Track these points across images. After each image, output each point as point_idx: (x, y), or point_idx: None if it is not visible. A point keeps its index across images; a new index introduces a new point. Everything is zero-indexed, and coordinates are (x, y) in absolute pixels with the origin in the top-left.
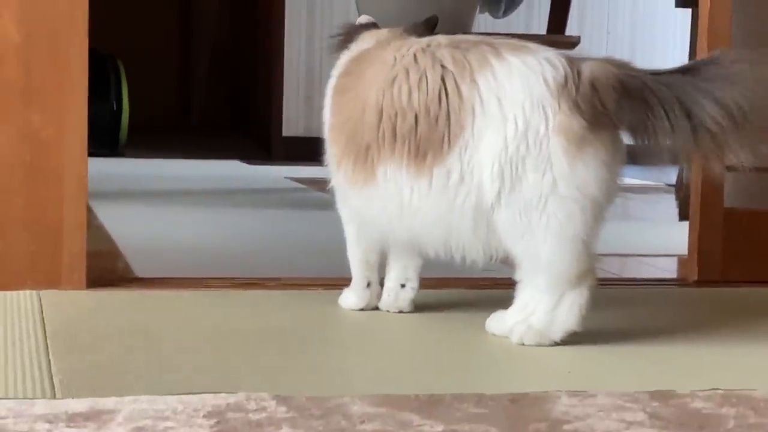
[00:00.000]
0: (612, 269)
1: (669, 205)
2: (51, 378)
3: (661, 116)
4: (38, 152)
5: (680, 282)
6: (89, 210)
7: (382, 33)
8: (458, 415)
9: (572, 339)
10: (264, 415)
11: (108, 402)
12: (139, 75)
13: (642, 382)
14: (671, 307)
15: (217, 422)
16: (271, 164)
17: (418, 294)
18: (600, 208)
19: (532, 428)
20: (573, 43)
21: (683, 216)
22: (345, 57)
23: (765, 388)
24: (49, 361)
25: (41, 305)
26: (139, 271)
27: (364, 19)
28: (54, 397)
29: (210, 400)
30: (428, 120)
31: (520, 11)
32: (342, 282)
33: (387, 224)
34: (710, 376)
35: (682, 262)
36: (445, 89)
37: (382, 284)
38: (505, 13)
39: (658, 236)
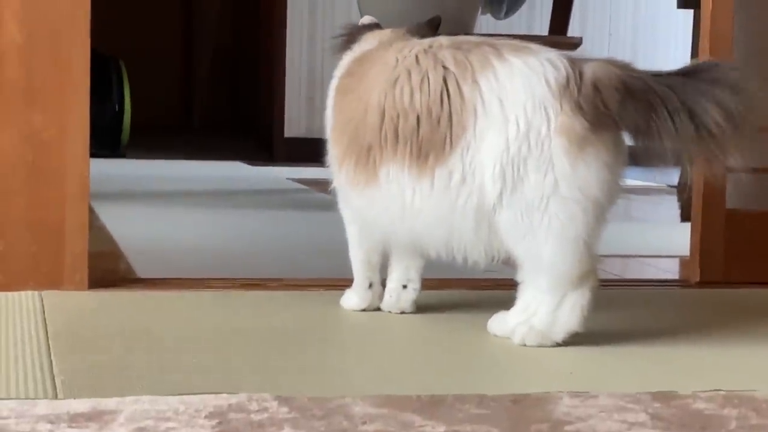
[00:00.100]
0: (614, 270)
1: (671, 206)
2: (53, 378)
3: (664, 117)
4: (40, 153)
5: (682, 283)
6: (91, 211)
7: (385, 34)
8: (460, 416)
9: (574, 340)
10: (266, 415)
11: (110, 402)
12: (140, 76)
13: (644, 383)
14: (673, 308)
15: (219, 423)
16: (273, 165)
17: (420, 295)
18: (602, 209)
19: (533, 429)
20: (575, 44)
21: (685, 217)
22: (347, 58)
23: (767, 389)
24: (51, 361)
25: (43, 306)
26: (141, 271)
27: (366, 19)
28: (56, 397)
29: (212, 401)
30: (430, 121)
31: (521, 12)
32: (344, 283)
33: (389, 225)
34: (712, 377)
35: (683, 263)
36: (447, 90)
37: (384, 285)
38: (507, 14)
39: (660, 237)
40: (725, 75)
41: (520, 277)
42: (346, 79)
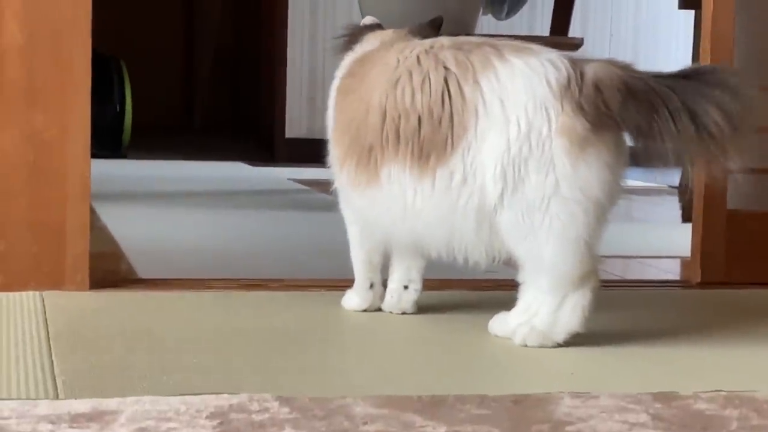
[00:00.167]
0: (615, 271)
1: (672, 206)
2: (54, 379)
3: (666, 117)
4: (41, 153)
5: (683, 284)
6: (92, 211)
7: (387, 34)
8: (461, 416)
9: (575, 340)
10: (267, 416)
11: (111, 403)
12: (142, 76)
13: (645, 384)
14: (674, 309)
15: (220, 423)
16: (274, 166)
17: (421, 295)
18: (603, 210)
19: (534, 429)
20: (576, 44)
21: (686, 218)
22: (349, 58)
23: None
24: (52, 361)
25: (44, 306)
26: (142, 272)
27: (368, 20)
28: (57, 397)
29: (213, 401)
30: (431, 121)
31: (523, 13)
32: (345, 283)
33: (390, 225)
34: (713, 378)
35: (685, 263)
36: (448, 91)
37: (385, 286)
38: (508, 14)
39: (661, 238)
40: (725, 79)
41: (521, 277)
42: (347, 80)
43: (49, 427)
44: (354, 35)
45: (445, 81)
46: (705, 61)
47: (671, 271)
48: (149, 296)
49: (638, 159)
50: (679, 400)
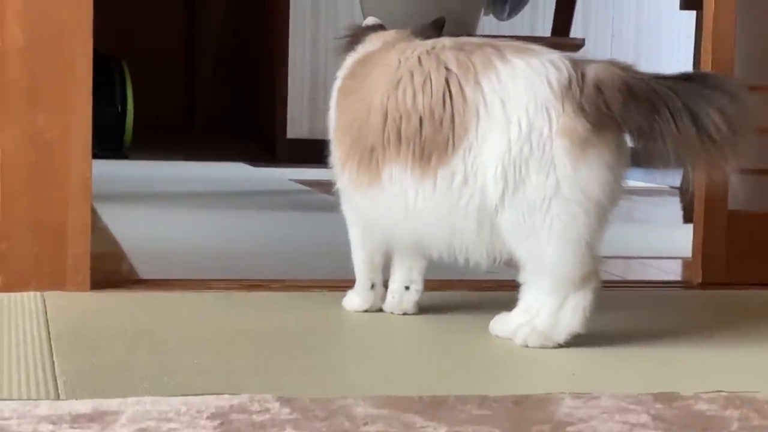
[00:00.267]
0: (616, 271)
1: (673, 207)
2: (55, 379)
3: (667, 119)
4: (43, 153)
5: (684, 284)
6: (94, 212)
7: (389, 35)
8: (462, 417)
9: (576, 341)
10: (267, 416)
11: (112, 403)
12: (143, 76)
13: (645, 384)
14: (675, 310)
15: (221, 423)
16: (276, 166)
17: (422, 296)
18: (604, 211)
19: (535, 430)
20: (577, 45)
21: (688, 218)
22: (351, 59)
23: None
24: (53, 362)
25: (45, 306)
26: (144, 272)
27: (370, 20)
28: (58, 398)
29: (213, 402)
30: (433, 122)
31: (524, 13)
32: (346, 284)
33: (391, 226)
34: (714, 378)
35: (686, 264)
36: (450, 91)
37: (386, 286)
38: (510, 15)
39: (663, 239)
40: (724, 83)
41: (522, 278)
42: (349, 80)
43: (50, 427)
44: (356, 36)
45: (447, 82)
46: (706, 61)
47: (672, 271)
48: (150, 297)
49: (639, 160)
50: (680, 401)
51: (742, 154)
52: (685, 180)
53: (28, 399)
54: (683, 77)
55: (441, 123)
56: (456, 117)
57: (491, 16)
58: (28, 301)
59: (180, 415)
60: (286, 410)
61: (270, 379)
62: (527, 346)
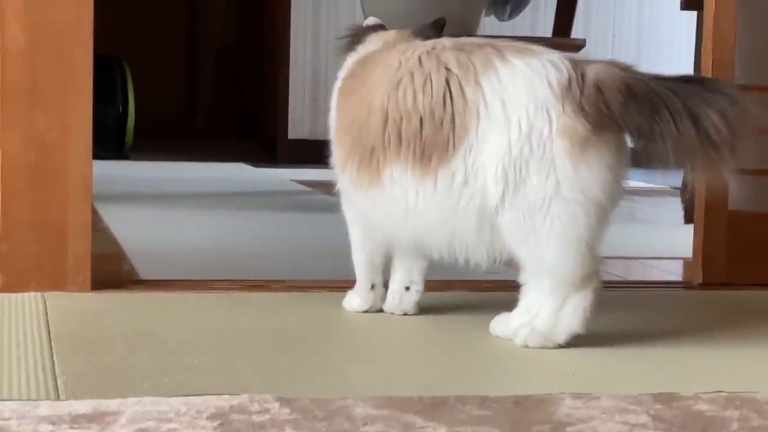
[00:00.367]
0: (617, 272)
1: (674, 207)
2: (55, 379)
3: (667, 119)
4: (43, 154)
5: (685, 285)
6: (95, 212)
7: (390, 35)
8: (462, 417)
9: (576, 341)
10: (267, 416)
11: (112, 403)
12: (144, 77)
13: (645, 385)
14: (675, 310)
15: (221, 424)
16: (277, 167)
17: (423, 296)
18: (604, 211)
19: (535, 430)
20: (578, 46)
21: (689, 219)
22: (351, 59)
23: None
24: (54, 362)
25: (46, 307)
26: (144, 273)
27: (371, 20)
28: (58, 398)
29: (213, 402)
30: (433, 123)
31: (525, 14)
32: (346, 284)
33: (392, 227)
34: (714, 379)
35: (686, 264)
36: (450, 92)
37: (386, 287)
38: (511, 15)
39: (663, 239)
40: (724, 87)
41: (523, 278)
42: (349, 81)
43: (50, 427)
44: (357, 36)
45: (447, 82)
46: (707, 61)
47: (673, 272)
48: (151, 297)
49: (639, 160)
50: (680, 401)
51: (741, 156)
52: (686, 180)
53: (28, 399)
54: (683, 79)
55: (441, 123)
56: (456, 117)
57: (492, 17)
58: (28, 301)
59: (180, 416)
60: (286, 410)
61: (270, 380)
62: (527, 347)
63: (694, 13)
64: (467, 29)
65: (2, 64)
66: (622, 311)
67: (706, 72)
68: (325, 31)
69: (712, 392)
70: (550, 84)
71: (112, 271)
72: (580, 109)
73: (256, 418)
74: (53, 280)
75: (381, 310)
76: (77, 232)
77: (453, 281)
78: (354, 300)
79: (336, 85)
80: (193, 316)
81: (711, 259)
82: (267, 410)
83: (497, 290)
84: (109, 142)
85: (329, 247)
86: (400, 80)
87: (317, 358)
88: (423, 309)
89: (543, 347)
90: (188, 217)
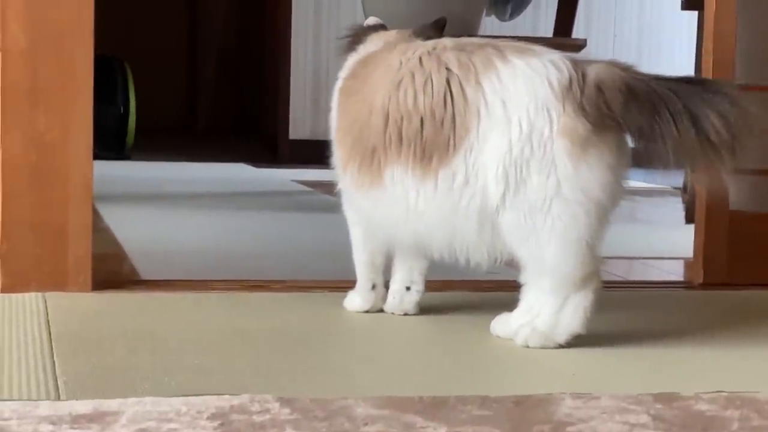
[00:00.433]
0: (618, 272)
1: (675, 207)
2: (55, 379)
3: (667, 119)
4: (43, 154)
5: (685, 285)
6: (95, 213)
7: (391, 35)
8: (462, 417)
9: (576, 341)
10: (268, 416)
11: (112, 404)
12: (145, 77)
13: (646, 385)
14: (676, 310)
15: (221, 424)
16: (278, 167)
17: (423, 296)
18: (604, 211)
19: (535, 430)
20: (579, 45)
21: (690, 219)
22: (352, 59)
23: None
24: (54, 362)
25: (46, 307)
26: (145, 273)
27: (372, 20)
28: (58, 398)
29: (214, 402)
30: (434, 123)
31: (526, 14)
32: (347, 284)
33: (393, 227)
34: (714, 379)
35: (687, 264)
36: (451, 92)
37: (387, 287)
38: (512, 15)
39: (664, 239)
40: (725, 89)
41: (523, 278)
42: (350, 81)
43: (50, 428)
44: (357, 36)
45: (448, 82)
46: (707, 61)
47: (674, 272)
48: (151, 297)
49: (639, 160)
50: (680, 401)
51: (740, 159)
52: (687, 180)
53: (29, 399)
54: (684, 80)
55: (442, 123)
56: (457, 117)
57: (493, 17)
58: (29, 301)
59: (180, 416)
60: (287, 411)
61: (270, 380)
62: (528, 347)
63: (695, 13)
64: (468, 29)
65: (3, 65)
66: (622, 311)
67: (707, 72)
68: (326, 31)
69: (713, 392)
70: (550, 84)
71: (112, 272)
72: (581, 109)
73: (257, 419)
74: (54, 281)
75: (382, 310)
76: (78, 232)
77: (454, 281)
78: (355, 300)
79: (337, 85)
80: (194, 316)
81: (712, 259)
82: (267, 410)
83: (498, 290)
84: (110, 143)
85: (330, 248)
86: (401, 80)
87: (318, 358)
88: (424, 309)
89: (544, 347)
90: (189, 218)
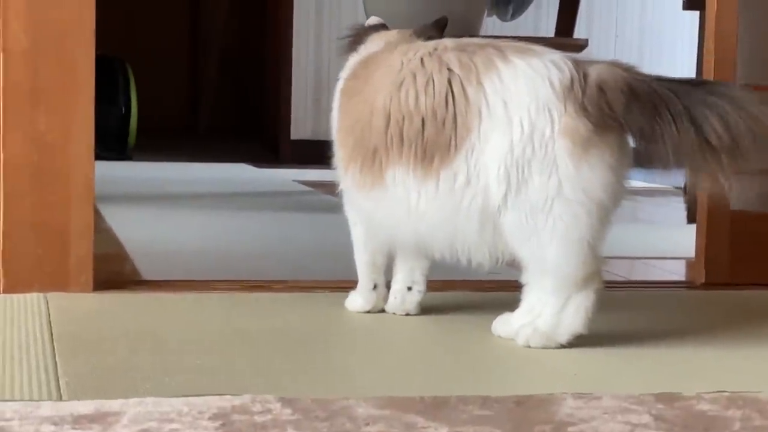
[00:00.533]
0: (620, 272)
1: (677, 207)
2: (57, 380)
3: (668, 120)
4: (45, 155)
5: (687, 285)
6: (97, 213)
7: (392, 35)
8: (463, 417)
9: (578, 341)
10: (269, 417)
11: (113, 404)
12: (147, 78)
13: (647, 385)
14: (678, 310)
15: (222, 424)
16: (279, 167)
17: (425, 296)
18: (606, 211)
19: (537, 430)
20: (580, 46)
21: (691, 219)
22: (353, 59)
23: None
24: (56, 363)
25: (48, 308)
26: (146, 273)
27: (373, 20)
28: (60, 399)
29: (215, 402)
30: (435, 123)
31: (528, 14)
32: (349, 285)
33: (394, 227)
34: (716, 378)
35: (689, 264)
36: (452, 92)
37: (388, 287)
38: (513, 16)
39: (666, 239)
40: (729, 91)
41: (525, 278)
42: (351, 81)
43: (52, 428)
44: (358, 36)
45: (449, 83)
46: (709, 61)
47: (676, 272)
48: (153, 298)
49: (640, 161)
50: (682, 401)
51: (740, 163)
52: (687, 181)
53: (30, 400)
54: (688, 82)
55: (443, 124)
56: (458, 118)
57: (494, 17)
58: (30, 302)
59: (182, 416)
60: (288, 411)
61: (272, 380)
62: (529, 347)
63: (697, 13)
64: (469, 29)
65: (4, 65)
66: (624, 311)
67: (709, 72)
68: (327, 31)
69: (715, 392)
70: (552, 84)
71: (114, 272)
72: (582, 110)
73: (258, 419)
74: (55, 281)
75: (383, 311)
76: (79, 232)
77: (455, 281)
78: (356, 300)
79: (338, 85)
80: (195, 316)
81: (714, 259)
82: (269, 410)
83: (499, 290)
84: (111, 143)
85: (331, 248)
86: (402, 81)
87: (319, 358)
88: (425, 309)
89: (545, 347)
90: (190, 218)
